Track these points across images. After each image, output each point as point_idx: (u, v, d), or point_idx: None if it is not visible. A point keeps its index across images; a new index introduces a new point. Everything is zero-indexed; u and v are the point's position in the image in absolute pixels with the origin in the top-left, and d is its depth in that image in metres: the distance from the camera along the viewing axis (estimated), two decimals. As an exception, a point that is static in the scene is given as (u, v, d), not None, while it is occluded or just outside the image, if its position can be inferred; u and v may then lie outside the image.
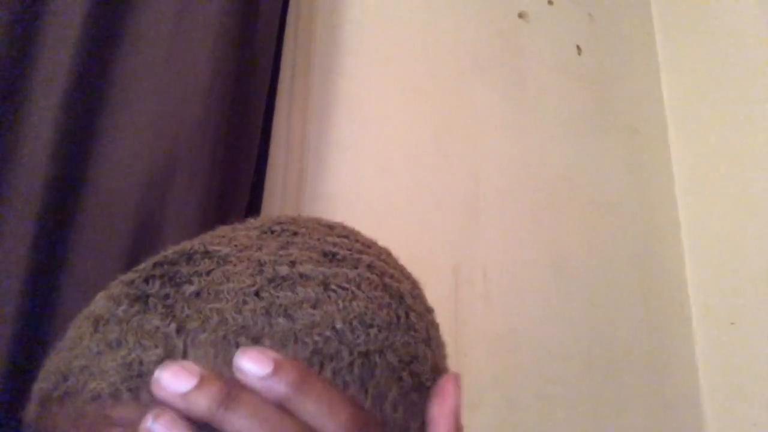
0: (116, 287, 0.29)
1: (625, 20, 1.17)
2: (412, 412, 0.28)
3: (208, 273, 0.28)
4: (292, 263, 0.28)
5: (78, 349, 0.27)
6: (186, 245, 0.31)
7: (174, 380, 0.23)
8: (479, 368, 0.77)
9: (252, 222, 0.34)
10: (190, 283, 0.27)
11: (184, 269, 0.28)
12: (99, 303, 0.29)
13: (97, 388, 0.25)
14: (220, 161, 0.55)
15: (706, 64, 1.12)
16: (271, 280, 0.27)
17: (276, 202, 0.67)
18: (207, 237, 0.32)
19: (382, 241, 0.75)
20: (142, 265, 0.30)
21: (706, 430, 0.98)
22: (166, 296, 0.27)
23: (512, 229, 0.86)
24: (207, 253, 0.29)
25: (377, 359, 0.27)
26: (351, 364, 0.26)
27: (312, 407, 0.24)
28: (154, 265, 0.29)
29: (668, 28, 1.20)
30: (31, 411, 0.28)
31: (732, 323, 0.99)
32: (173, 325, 0.26)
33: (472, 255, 0.82)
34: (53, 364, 0.28)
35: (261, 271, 0.28)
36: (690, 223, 1.09)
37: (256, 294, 0.27)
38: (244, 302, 0.26)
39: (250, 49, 0.59)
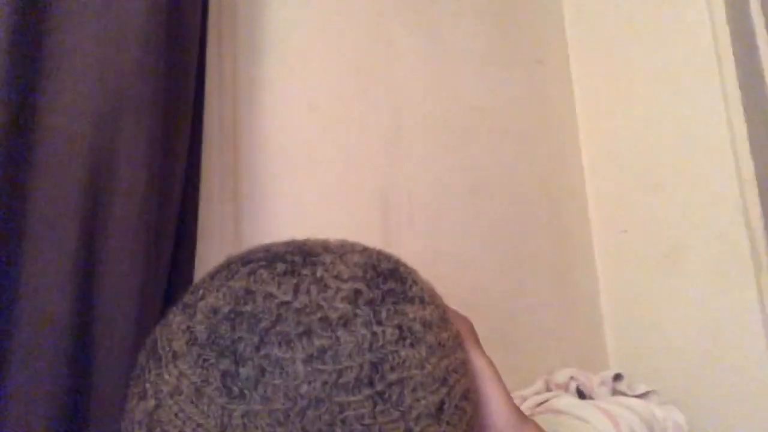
0: None
1: (529, -43, 1.24)
2: None
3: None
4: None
5: None
6: None
7: None
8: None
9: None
10: None
11: None
12: None
13: None
14: (162, 100, 0.59)
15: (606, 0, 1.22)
16: None
17: (214, 140, 0.71)
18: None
19: (314, 173, 0.81)
20: None
21: (604, 324, 1.14)
22: None
23: (433, 157, 0.95)
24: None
25: None
26: None
27: None
28: None
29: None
30: None
31: (624, 231, 1.14)
32: None
33: (398, 182, 0.89)
34: None
35: None
36: (589, 146, 1.22)
37: None
38: None
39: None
